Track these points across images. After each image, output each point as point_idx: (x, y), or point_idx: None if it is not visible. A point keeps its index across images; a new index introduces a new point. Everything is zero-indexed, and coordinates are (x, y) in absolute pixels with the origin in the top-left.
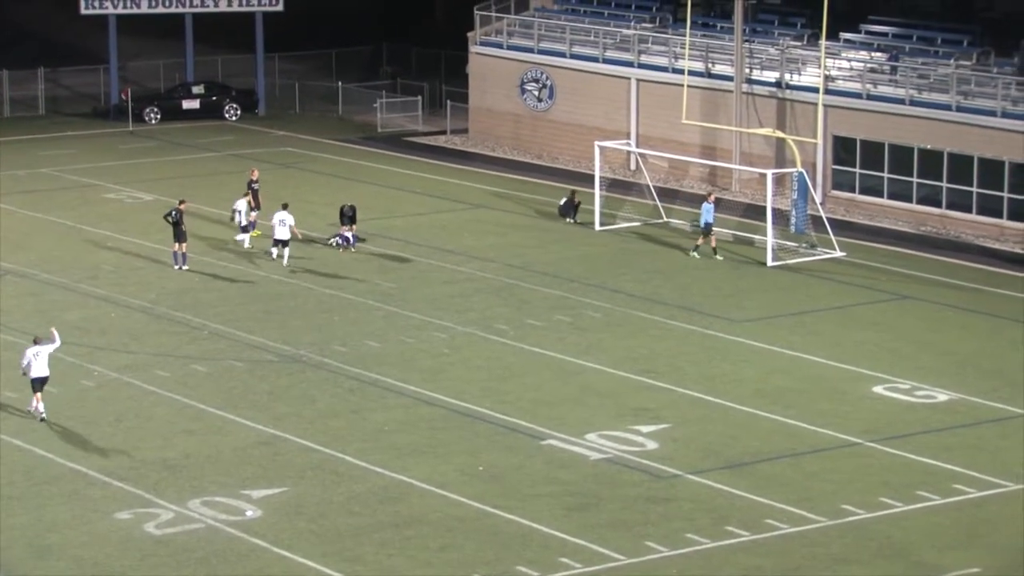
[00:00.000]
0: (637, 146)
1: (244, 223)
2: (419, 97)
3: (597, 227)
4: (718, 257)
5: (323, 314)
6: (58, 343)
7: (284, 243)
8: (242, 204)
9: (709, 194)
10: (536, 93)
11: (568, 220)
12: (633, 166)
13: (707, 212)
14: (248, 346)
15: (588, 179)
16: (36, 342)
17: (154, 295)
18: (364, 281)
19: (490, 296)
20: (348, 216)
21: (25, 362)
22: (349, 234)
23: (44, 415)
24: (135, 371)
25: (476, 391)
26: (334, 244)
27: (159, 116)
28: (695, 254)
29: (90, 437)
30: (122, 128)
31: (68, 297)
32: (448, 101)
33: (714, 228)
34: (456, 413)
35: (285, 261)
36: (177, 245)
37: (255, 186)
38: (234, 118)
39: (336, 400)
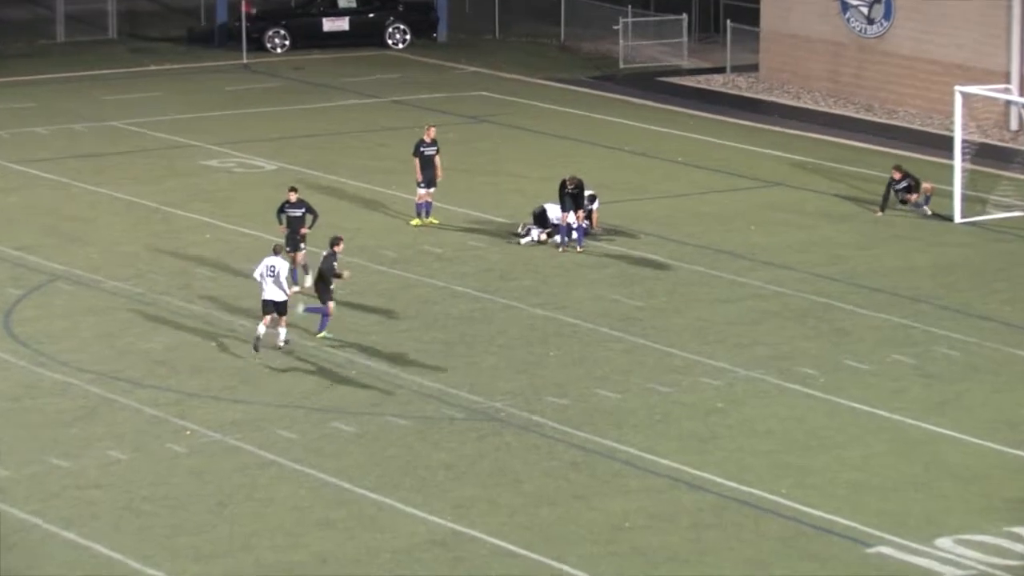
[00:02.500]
0: (1022, 95)
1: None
2: (683, 17)
3: (957, 218)
4: None
5: (531, 348)
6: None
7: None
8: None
9: None
10: (865, 11)
11: (909, 208)
12: (1015, 124)
13: None
14: (418, 395)
15: (944, 143)
16: (275, 252)
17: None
18: (596, 298)
19: (789, 323)
20: (572, 196)
21: (257, 274)
22: (574, 222)
23: (284, 341)
24: (246, 430)
25: (765, 469)
26: (534, 239)
27: (288, 42)
28: None
29: (181, 529)
30: (232, 60)
31: (145, 316)
32: (728, 23)
33: None
34: (734, 501)
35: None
36: (294, 254)
37: (427, 151)
38: (401, 45)
39: (550, 479)
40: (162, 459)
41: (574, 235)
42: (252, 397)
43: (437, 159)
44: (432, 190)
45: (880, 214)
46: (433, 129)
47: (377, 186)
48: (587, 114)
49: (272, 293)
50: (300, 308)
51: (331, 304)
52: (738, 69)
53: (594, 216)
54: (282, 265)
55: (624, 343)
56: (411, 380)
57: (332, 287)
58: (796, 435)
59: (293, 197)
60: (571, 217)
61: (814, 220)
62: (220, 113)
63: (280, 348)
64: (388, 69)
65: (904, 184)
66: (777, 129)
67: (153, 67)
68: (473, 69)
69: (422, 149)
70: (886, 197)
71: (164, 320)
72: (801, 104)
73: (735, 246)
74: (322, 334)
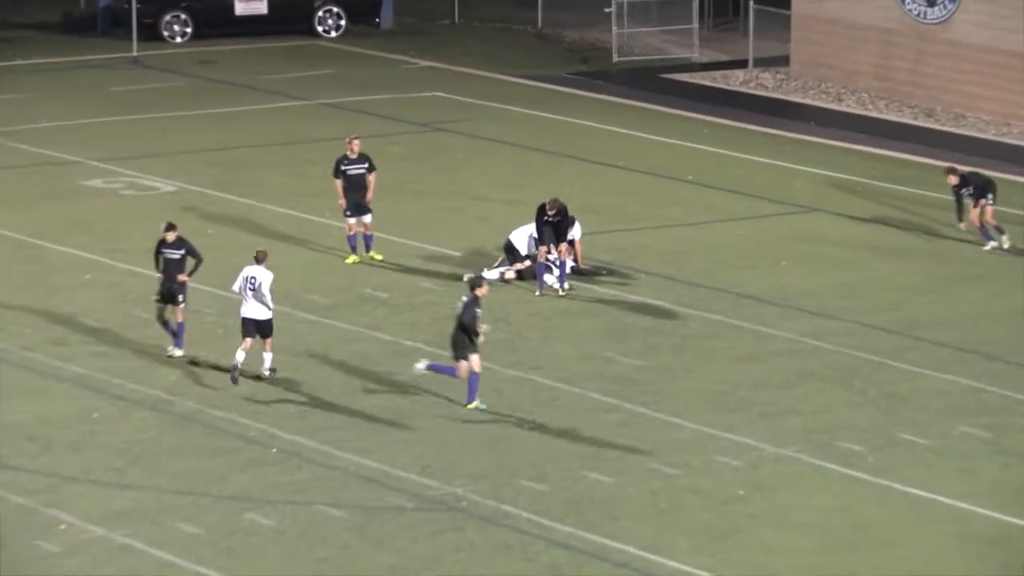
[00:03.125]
0: None
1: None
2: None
3: None
4: None
5: (502, 419)
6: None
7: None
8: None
9: None
10: None
11: (989, 244)
12: None
13: None
14: (357, 478)
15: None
16: (257, 260)
17: (175, 377)
18: (584, 355)
19: (830, 386)
20: (553, 225)
21: (237, 287)
22: (554, 259)
23: (270, 369)
24: (137, 523)
25: (800, 572)
26: (498, 275)
27: (190, 29)
28: None
29: None
30: (119, 52)
31: (10, 379)
32: (751, 4)
33: None
34: None
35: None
36: (168, 309)
37: (353, 169)
38: (334, 33)
39: None
40: (30, 560)
41: (554, 274)
42: (145, 481)
43: (370, 179)
44: (366, 218)
45: (963, 225)
46: (357, 142)
47: (304, 212)
48: (571, 120)
49: (253, 310)
50: (422, 365)
51: (466, 364)
52: (763, 63)
53: (578, 248)
54: (264, 276)
55: (620, 412)
56: (348, 459)
57: (474, 340)
58: (839, 529)
59: (171, 236)
60: (548, 256)
61: (861, 255)
62: (104, 120)
63: (265, 378)
64: (318, 64)
65: (968, 189)
66: (813, 139)
67: (19, 61)
68: (426, 64)
69: (345, 167)
70: (960, 204)
71: (34, 384)
72: (843, 108)
73: (761, 289)
74: (473, 404)
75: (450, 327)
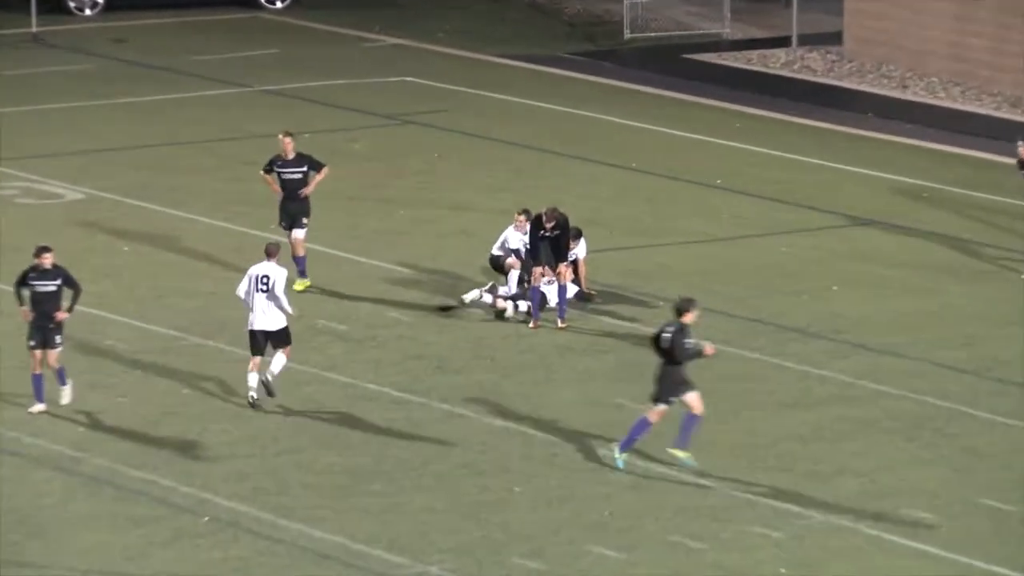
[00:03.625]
0: None
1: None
2: None
3: None
4: None
5: (486, 480)
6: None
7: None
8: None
9: None
10: None
11: None
12: None
13: None
14: (307, 553)
15: None
16: (268, 254)
17: (82, 429)
18: (588, 401)
19: (892, 439)
20: (551, 240)
21: (243, 291)
22: (549, 286)
23: (271, 375)
24: None
25: None
26: (479, 296)
27: (102, 0)
28: None
29: None
30: (15, 28)
31: None
32: None
33: None
34: None
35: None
36: (41, 354)
37: (289, 173)
38: (280, 3)
39: None
40: None
41: (552, 301)
42: (48, 558)
43: (315, 178)
44: (299, 232)
45: None
46: (290, 140)
47: (244, 225)
48: (572, 111)
49: (265, 319)
50: (619, 460)
51: (662, 408)
52: (810, 40)
53: (582, 269)
54: (278, 274)
55: (632, 472)
56: (296, 530)
57: (687, 380)
58: None
59: (47, 262)
60: (545, 278)
61: (932, 278)
62: None
63: (268, 382)
64: (260, 41)
65: None
66: (872, 135)
67: None
68: (394, 41)
69: (279, 170)
70: None
71: None
72: (909, 96)
73: (808, 319)
74: (684, 453)
75: (421, 366)
